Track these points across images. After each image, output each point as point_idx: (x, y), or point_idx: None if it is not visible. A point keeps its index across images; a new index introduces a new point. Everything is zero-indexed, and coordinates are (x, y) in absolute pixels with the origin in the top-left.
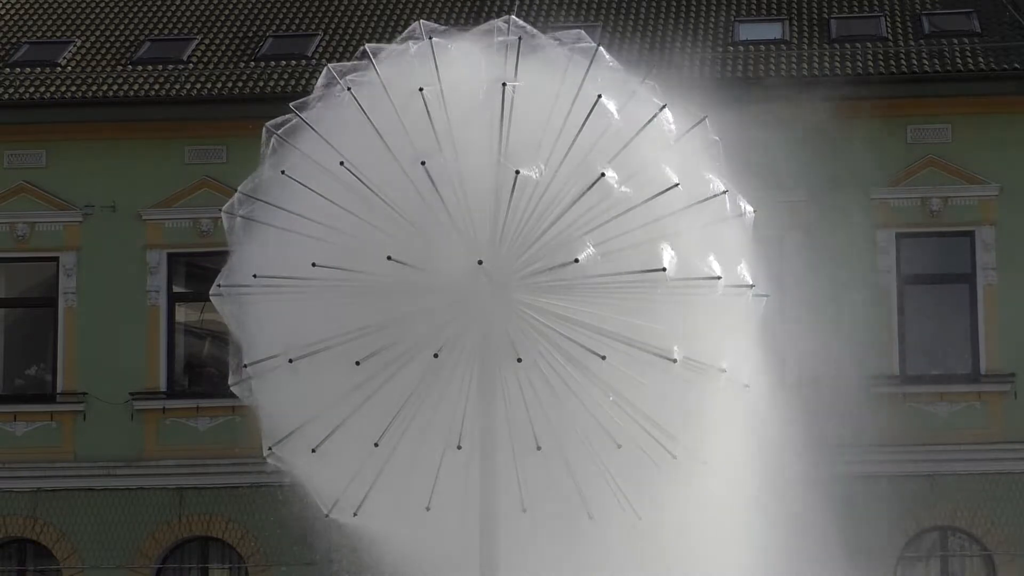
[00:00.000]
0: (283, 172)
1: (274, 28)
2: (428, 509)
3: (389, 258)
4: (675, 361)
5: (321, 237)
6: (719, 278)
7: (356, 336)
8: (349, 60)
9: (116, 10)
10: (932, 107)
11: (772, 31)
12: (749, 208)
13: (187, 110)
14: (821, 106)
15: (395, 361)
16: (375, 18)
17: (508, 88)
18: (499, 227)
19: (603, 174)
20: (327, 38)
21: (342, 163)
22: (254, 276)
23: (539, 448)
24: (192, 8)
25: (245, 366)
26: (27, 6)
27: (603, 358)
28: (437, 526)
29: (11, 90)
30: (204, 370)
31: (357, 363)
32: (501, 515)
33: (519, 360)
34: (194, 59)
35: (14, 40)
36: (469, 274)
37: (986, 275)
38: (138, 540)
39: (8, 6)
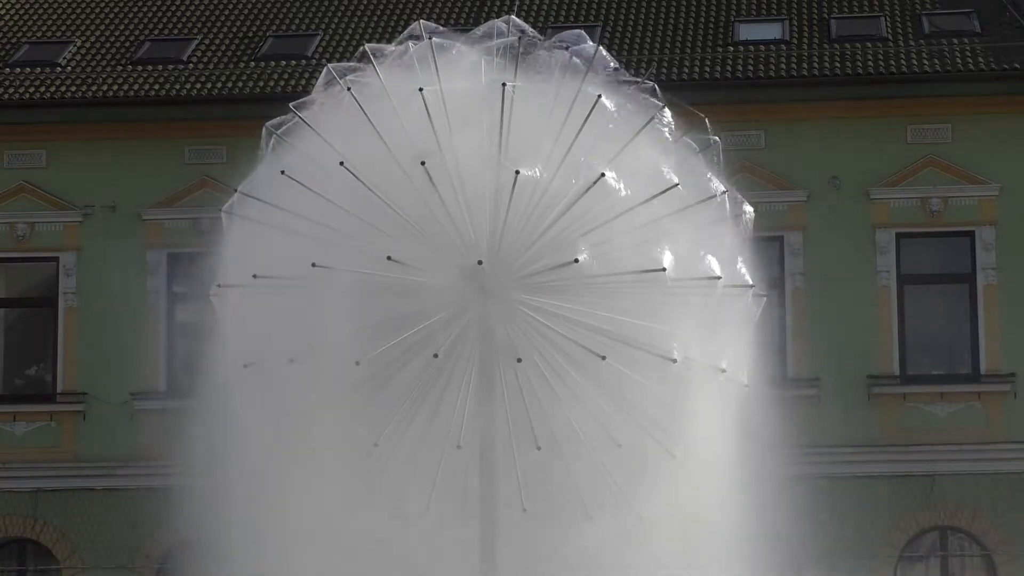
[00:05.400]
0: (283, 172)
1: (274, 28)
2: (428, 509)
3: (389, 258)
4: (675, 361)
5: (320, 237)
6: (719, 278)
7: (356, 336)
8: (349, 60)
9: (116, 10)
10: (932, 107)
11: (772, 31)
12: (748, 208)
13: (187, 110)
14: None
15: (395, 361)
16: (375, 18)
17: (508, 88)
18: (499, 227)
19: (603, 174)
20: (327, 38)
21: (342, 163)
22: (254, 276)
23: (539, 448)
24: (192, 8)
25: (245, 366)
26: (27, 6)
27: (603, 358)
28: (437, 525)
29: (11, 90)
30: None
31: (357, 363)
32: (501, 515)
33: (519, 360)
34: (194, 59)
35: (14, 40)
36: (469, 274)
37: (986, 275)
38: (138, 540)
39: (8, 6)
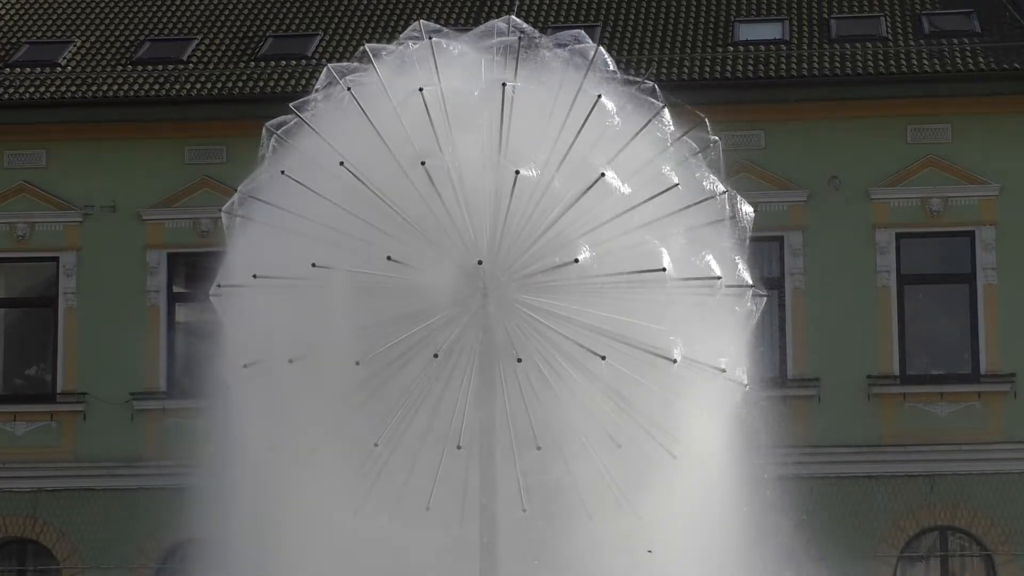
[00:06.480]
0: (283, 172)
1: (274, 28)
2: (428, 509)
3: (389, 258)
4: (675, 361)
5: (321, 237)
6: (719, 278)
7: (356, 336)
8: (349, 60)
9: (116, 10)
10: (932, 107)
11: (772, 31)
12: (748, 208)
13: (187, 110)
14: None
15: (395, 361)
16: (375, 18)
17: (508, 88)
18: (499, 227)
19: (603, 174)
20: (327, 38)
21: (342, 163)
22: (254, 276)
23: (539, 448)
24: (192, 8)
25: (245, 366)
26: (27, 6)
27: (603, 358)
28: (436, 525)
29: (11, 90)
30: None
31: (357, 363)
32: (501, 515)
33: (519, 360)
34: (194, 59)
35: (14, 40)
36: (469, 274)
37: (986, 275)
38: (138, 540)
39: (8, 6)
